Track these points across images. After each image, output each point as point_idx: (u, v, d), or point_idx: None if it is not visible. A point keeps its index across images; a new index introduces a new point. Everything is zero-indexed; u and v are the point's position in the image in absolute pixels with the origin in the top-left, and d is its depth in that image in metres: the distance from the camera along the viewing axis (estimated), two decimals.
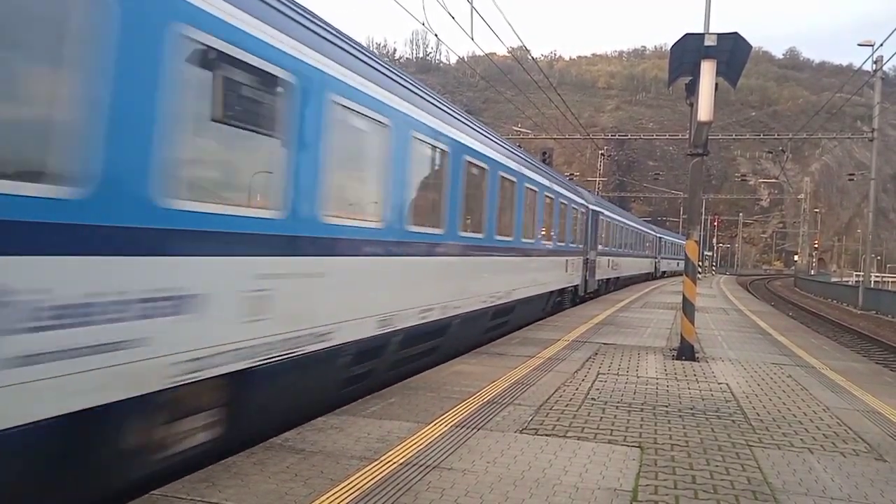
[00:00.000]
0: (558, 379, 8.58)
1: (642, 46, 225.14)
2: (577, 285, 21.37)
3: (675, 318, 17.28)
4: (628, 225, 34.57)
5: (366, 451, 5.23)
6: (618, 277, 31.19)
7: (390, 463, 4.97)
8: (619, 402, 7.42)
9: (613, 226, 28.80)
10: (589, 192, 27.07)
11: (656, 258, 49.19)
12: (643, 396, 7.81)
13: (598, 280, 25.14)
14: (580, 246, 21.36)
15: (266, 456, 5.01)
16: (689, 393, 8.16)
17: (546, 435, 5.96)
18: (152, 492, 4.24)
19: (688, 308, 10.95)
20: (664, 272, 53.81)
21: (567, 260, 19.19)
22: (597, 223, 24.12)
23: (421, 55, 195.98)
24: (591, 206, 23.25)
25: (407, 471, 4.82)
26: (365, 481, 4.57)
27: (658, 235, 50.94)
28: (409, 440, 5.56)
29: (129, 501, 4.14)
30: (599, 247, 24.84)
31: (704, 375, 9.43)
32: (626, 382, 8.60)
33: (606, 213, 27.19)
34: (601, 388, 8.17)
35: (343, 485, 4.49)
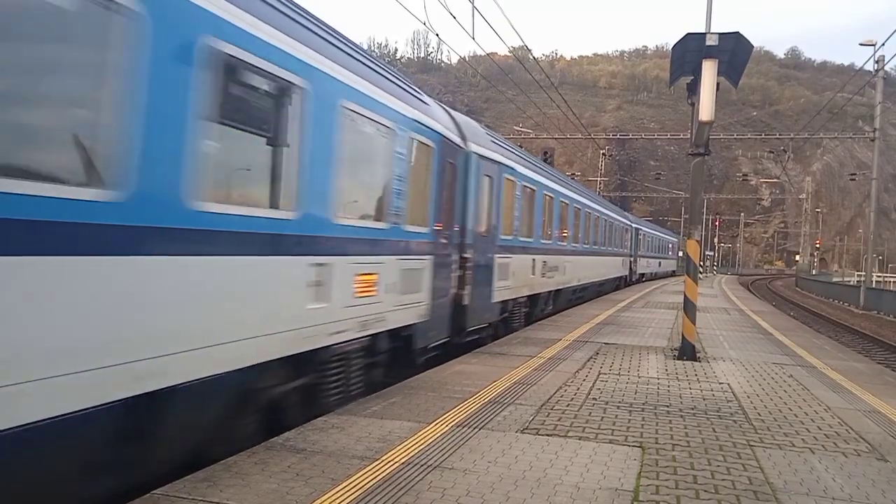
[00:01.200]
0: (559, 379, 8.58)
1: (644, 46, 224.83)
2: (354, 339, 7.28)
3: (676, 318, 17.27)
4: (577, 201, 20.69)
5: (367, 450, 5.23)
6: (557, 290, 18.38)
7: (391, 462, 4.97)
8: (620, 402, 7.41)
9: (540, 197, 15.87)
10: (483, 128, 13.45)
11: (631, 256, 35.91)
12: (644, 396, 7.81)
13: (504, 302, 13.32)
14: (418, 230, 8.77)
15: (267, 455, 5.01)
16: (691, 393, 8.15)
17: (547, 435, 5.96)
18: (154, 491, 4.24)
19: (689, 308, 10.94)
20: (642, 275, 41.10)
21: (289, 275, 5.90)
22: (479, 182, 11.41)
23: (422, 55, 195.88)
24: (445, 135, 9.78)
25: (408, 470, 4.82)
26: (366, 481, 4.57)
27: (635, 225, 37.72)
28: (411, 440, 5.56)
29: (130, 501, 4.14)
30: (504, 237, 13.00)
31: (706, 375, 9.42)
32: (628, 382, 8.60)
33: (515, 166, 13.81)
34: (602, 387, 8.17)
35: (344, 484, 4.49)
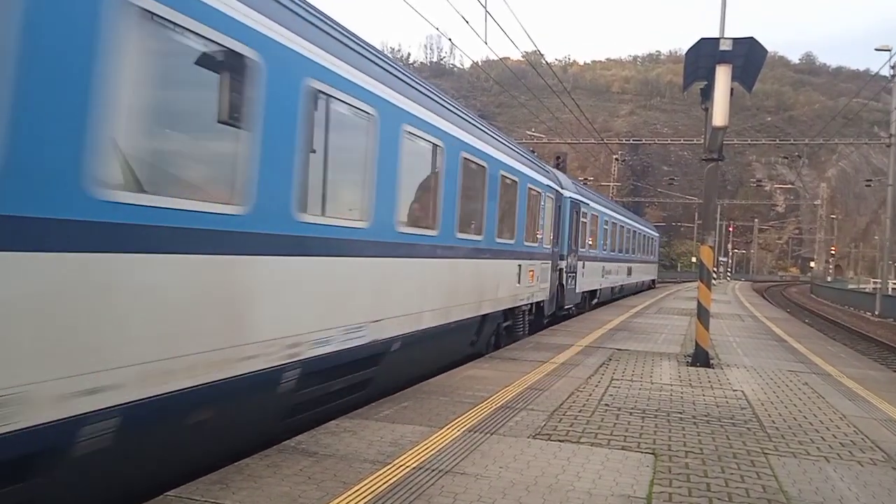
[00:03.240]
0: (571, 384, 8.55)
1: (657, 51, 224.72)
2: None
3: (689, 324, 17.16)
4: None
5: (379, 454, 5.23)
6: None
7: (403, 467, 4.97)
8: (632, 409, 7.38)
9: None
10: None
11: (563, 257, 17.49)
12: (657, 403, 7.77)
13: None
14: None
15: (279, 458, 5.03)
16: (704, 399, 8.10)
17: (559, 440, 5.94)
18: (167, 493, 4.26)
19: (702, 314, 10.88)
20: (592, 294, 22.84)
21: None
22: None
23: (435, 59, 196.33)
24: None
25: (420, 475, 4.82)
26: (378, 485, 4.57)
27: (573, 195, 18.58)
28: (422, 444, 5.56)
29: (144, 502, 4.16)
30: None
31: (719, 382, 9.36)
32: (640, 388, 8.56)
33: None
34: (615, 393, 8.14)
35: (356, 488, 4.49)
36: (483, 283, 10.89)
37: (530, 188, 13.50)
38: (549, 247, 15.57)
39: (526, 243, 13.32)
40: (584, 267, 20.18)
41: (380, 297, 7.25)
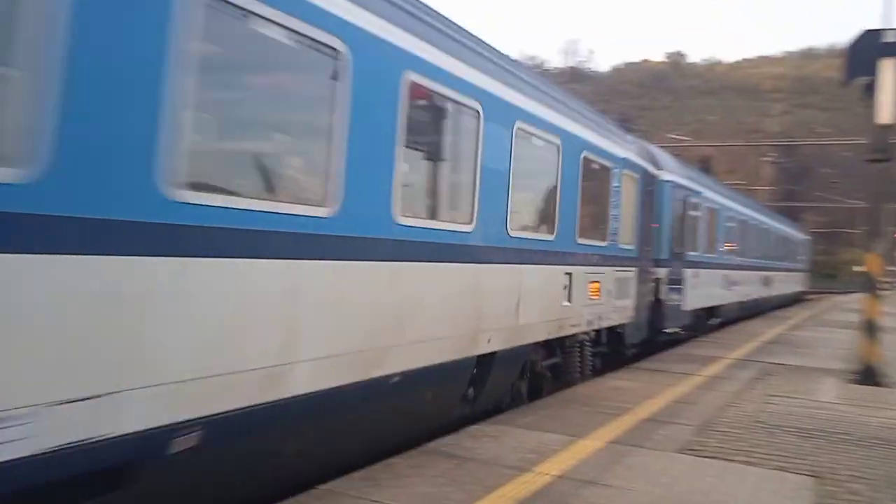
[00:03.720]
0: (721, 399, 8.15)
1: (813, 46, 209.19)
2: None
3: (854, 339, 15.80)
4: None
5: (520, 460, 5.24)
6: None
7: (544, 475, 4.94)
8: (790, 427, 6.91)
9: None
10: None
11: (664, 262, 13.00)
12: (818, 422, 7.22)
13: None
14: None
15: (423, 460, 5.16)
16: (873, 421, 7.43)
17: (709, 457, 5.68)
18: (318, 486, 4.50)
19: (870, 328, 10.02)
20: (710, 311, 17.10)
21: None
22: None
23: (573, 64, 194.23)
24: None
25: (562, 484, 4.77)
26: (519, 491, 4.58)
27: (685, 182, 14.51)
28: (564, 453, 5.51)
29: (296, 495, 4.42)
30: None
31: (892, 402, 8.55)
32: (799, 406, 8.00)
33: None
34: (770, 410, 7.66)
35: (497, 492, 4.53)
36: (482, 301, 6.55)
37: (588, 159, 8.90)
38: (631, 247, 11.02)
39: (580, 241, 8.74)
40: (696, 276, 15.12)
41: (109, 342, 3.18)
